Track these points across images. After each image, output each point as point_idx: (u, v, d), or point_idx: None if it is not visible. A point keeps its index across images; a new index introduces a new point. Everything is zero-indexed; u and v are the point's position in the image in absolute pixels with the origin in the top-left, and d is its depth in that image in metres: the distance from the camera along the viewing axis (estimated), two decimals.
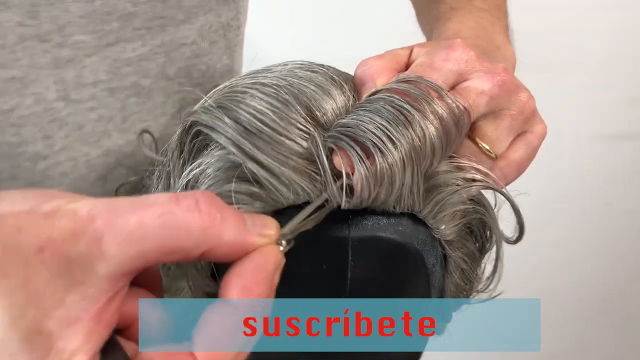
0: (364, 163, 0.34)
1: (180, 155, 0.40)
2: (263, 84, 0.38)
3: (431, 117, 0.35)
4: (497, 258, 0.42)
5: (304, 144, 0.35)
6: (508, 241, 0.42)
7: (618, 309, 1.33)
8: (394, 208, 0.36)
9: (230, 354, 0.27)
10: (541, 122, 0.43)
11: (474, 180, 0.39)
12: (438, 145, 0.35)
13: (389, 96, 0.36)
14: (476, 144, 0.40)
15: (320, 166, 0.35)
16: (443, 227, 0.38)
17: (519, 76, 0.43)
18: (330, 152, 0.35)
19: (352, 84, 0.40)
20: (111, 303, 0.26)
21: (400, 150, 0.34)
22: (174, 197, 0.26)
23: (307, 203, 0.35)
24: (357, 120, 0.35)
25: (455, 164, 0.39)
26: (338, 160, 0.34)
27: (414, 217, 0.38)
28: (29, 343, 0.24)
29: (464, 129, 0.37)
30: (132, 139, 0.47)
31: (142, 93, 0.47)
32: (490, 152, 0.40)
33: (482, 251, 0.43)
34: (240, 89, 0.38)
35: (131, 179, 0.47)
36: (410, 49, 0.43)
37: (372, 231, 0.37)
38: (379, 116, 0.35)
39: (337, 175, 0.35)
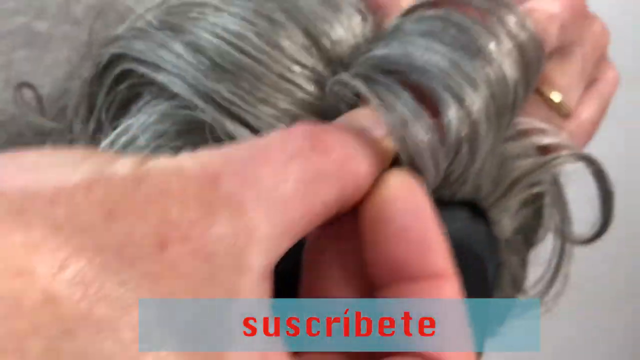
0: (423, 119, 0.21)
1: (89, 117, 0.26)
2: None
3: (508, 45, 0.23)
4: (561, 257, 0.31)
5: (309, 87, 0.24)
6: (575, 241, 0.31)
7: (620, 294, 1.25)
8: (455, 194, 0.25)
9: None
10: (612, 67, 0.33)
11: (548, 149, 0.28)
12: (520, 91, 0.23)
13: (445, 12, 0.23)
14: (541, 95, 0.29)
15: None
16: (506, 221, 0.28)
17: None
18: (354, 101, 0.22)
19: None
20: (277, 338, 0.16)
21: (483, 97, 0.22)
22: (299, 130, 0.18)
23: None
24: (404, 47, 0.22)
25: (519, 126, 0.28)
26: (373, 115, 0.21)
27: (471, 208, 0.27)
28: None
29: (541, 68, 0.26)
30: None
31: (35, 42, 0.34)
32: (563, 106, 0.29)
33: (529, 249, 0.33)
34: (197, 0, 0.25)
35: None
36: None
37: None
38: (440, 42, 0.22)
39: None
